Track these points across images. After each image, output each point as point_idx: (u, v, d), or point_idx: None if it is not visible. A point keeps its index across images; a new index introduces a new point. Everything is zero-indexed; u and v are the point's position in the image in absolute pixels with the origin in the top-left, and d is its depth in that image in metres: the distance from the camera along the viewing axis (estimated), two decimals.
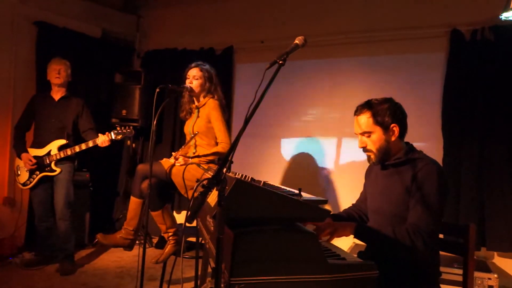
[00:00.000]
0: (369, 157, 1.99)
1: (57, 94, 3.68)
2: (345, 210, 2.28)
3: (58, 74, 3.62)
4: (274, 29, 4.42)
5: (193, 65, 3.23)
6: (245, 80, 4.67)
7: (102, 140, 3.43)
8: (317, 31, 4.13)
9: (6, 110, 4.04)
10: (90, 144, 3.48)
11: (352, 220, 2.18)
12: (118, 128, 3.47)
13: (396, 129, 1.91)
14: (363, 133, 1.95)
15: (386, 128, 1.91)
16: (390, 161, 1.95)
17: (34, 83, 4.12)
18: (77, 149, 3.51)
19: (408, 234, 1.73)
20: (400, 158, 1.91)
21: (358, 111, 1.97)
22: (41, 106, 3.66)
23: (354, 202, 2.30)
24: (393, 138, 1.92)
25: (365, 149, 1.97)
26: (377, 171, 2.04)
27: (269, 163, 4.53)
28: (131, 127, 3.50)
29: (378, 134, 1.91)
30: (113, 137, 3.45)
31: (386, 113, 1.90)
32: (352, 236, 1.84)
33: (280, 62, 1.52)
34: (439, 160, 3.58)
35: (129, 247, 3.14)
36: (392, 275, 1.75)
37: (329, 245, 1.82)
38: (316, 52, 4.13)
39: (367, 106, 1.94)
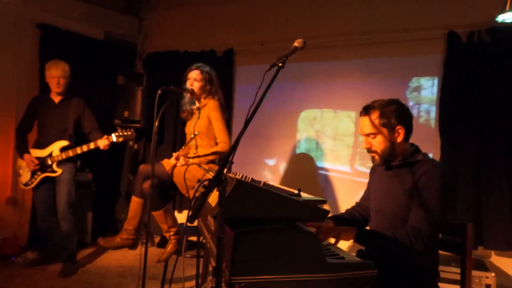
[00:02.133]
0: (373, 158, 1.97)
1: (57, 96, 3.69)
2: (347, 210, 2.27)
3: (57, 84, 3.59)
4: (274, 31, 4.44)
5: (194, 67, 3.25)
6: (246, 82, 4.70)
7: (103, 144, 3.46)
8: (316, 34, 4.15)
9: (9, 111, 4.07)
10: (92, 146, 3.50)
11: (355, 221, 2.17)
12: (119, 130, 3.48)
13: (401, 131, 1.89)
14: (368, 134, 1.93)
15: (391, 130, 1.89)
16: (394, 162, 1.94)
17: (37, 85, 4.14)
18: (78, 150, 3.53)
19: (408, 238, 1.73)
20: (405, 159, 1.90)
21: (364, 111, 1.94)
22: (42, 108, 3.67)
23: (352, 202, 2.32)
24: (398, 140, 1.90)
25: (369, 150, 1.96)
26: (381, 171, 2.03)
27: (269, 164, 4.56)
28: (132, 129, 3.51)
29: (383, 136, 1.89)
30: (114, 140, 3.46)
31: (393, 114, 1.88)
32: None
33: (280, 64, 1.53)
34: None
35: (132, 246, 3.17)
36: (391, 275, 1.76)
37: (328, 244, 1.83)
38: (315, 54, 4.14)
39: (374, 107, 1.92)
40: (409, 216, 1.83)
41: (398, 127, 1.89)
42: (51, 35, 4.28)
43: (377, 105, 1.92)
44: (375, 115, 1.90)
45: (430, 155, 3.62)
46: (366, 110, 1.94)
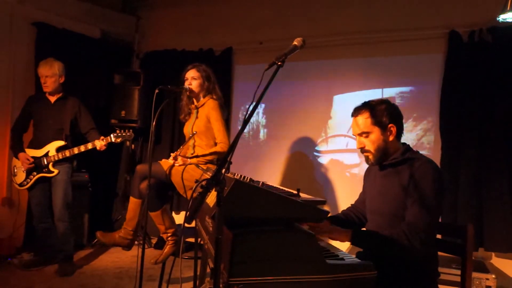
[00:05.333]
0: (367, 158, 2.00)
1: (52, 95, 3.65)
2: (343, 211, 2.29)
3: (44, 83, 3.55)
4: (273, 30, 4.42)
5: (189, 66, 3.26)
6: (244, 81, 4.68)
7: (100, 145, 3.43)
8: (315, 33, 4.14)
9: (5, 111, 4.04)
10: (89, 146, 3.47)
11: (351, 221, 2.19)
12: (117, 131, 3.46)
13: (393, 129, 1.93)
14: (361, 134, 1.97)
15: (384, 128, 1.93)
16: (387, 161, 1.96)
17: (33, 84, 4.11)
18: (75, 151, 3.50)
19: (405, 234, 1.74)
20: (397, 158, 1.93)
21: (356, 112, 1.98)
22: (38, 108, 3.63)
23: (353, 202, 2.31)
24: (390, 138, 1.94)
25: (363, 150, 1.99)
26: (376, 171, 2.06)
27: (268, 164, 4.54)
28: (130, 130, 3.49)
29: (376, 134, 1.93)
30: (113, 140, 3.43)
31: (384, 113, 1.92)
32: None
33: (279, 63, 1.53)
34: (438, 161, 3.59)
35: (127, 246, 3.15)
36: (390, 276, 1.76)
37: (327, 246, 1.82)
38: (314, 53, 4.14)
39: (365, 106, 1.96)
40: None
41: (390, 125, 1.93)
42: (47, 33, 4.25)
43: (367, 105, 1.96)
44: (366, 115, 1.94)
45: (429, 155, 3.62)
46: (357, 111, 1.98)
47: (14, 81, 4.09)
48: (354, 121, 1.99)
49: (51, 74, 3.54)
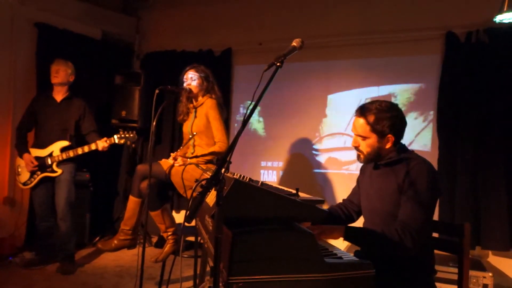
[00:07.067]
0: (358, 156, 2.01)
1: (58, 95, 3.67)
2: (332, 206, 2.28)
3: (56, 74, 3.60)
4: (272, 31, 4.43)
5: (188, 67, 3.28)
6: (243, 82, 4.69)
7: (102, 146, 3.46)
8: (314, 33, 4.15)
9: (6, 111, 4.05)
10: (93, 147, 3.49)
11: (336, 218, 2.19)
12: (121, 132, 3.47)
13: (391, 138, 1.91)
14: (358, 135, 1.96)
15: (381, 137, 1.90)
16: (383, 161, 1.96)
17: (34, 84, 4.12)
18: (79, 151, 3.51)
19: (397, 233, 1.75)
20: (393, 157, 1.93)
21: (359, 112, 1.95)
22: (43, 107, 3.65)
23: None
24: (387, 146, 1.92)
25: (357, 148, 1.99)
26: (371, 170, 2.05)
27: (267, 163, 4.55)
28: (134, 132, 3.50)
29: (372, 141, 1.92)
30: (116, 141, 3.45)
31: (386, 123, 1.88)
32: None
33: (278, 64, 1.54)
34: (435, 161, 3.61)
35: (130, 246, 3.17)
36: (388, 274, 1.77)
37: (326, 245, 1.84)
38: (313, 54, 4.15)
39: (370, 110, 1.91)
40: None
41: (388, 135, 1.90)
42: (49, 34, 4.26)
43: (373, 108, 1.90)
44: (369, 119, 1.90)
45: (427, 154, 3.64)
46: (362, 111, 1.93)
47: (15, 81, 4.10)
48: (356, 120, 1.96)
49: (64, 68, 3.63)
